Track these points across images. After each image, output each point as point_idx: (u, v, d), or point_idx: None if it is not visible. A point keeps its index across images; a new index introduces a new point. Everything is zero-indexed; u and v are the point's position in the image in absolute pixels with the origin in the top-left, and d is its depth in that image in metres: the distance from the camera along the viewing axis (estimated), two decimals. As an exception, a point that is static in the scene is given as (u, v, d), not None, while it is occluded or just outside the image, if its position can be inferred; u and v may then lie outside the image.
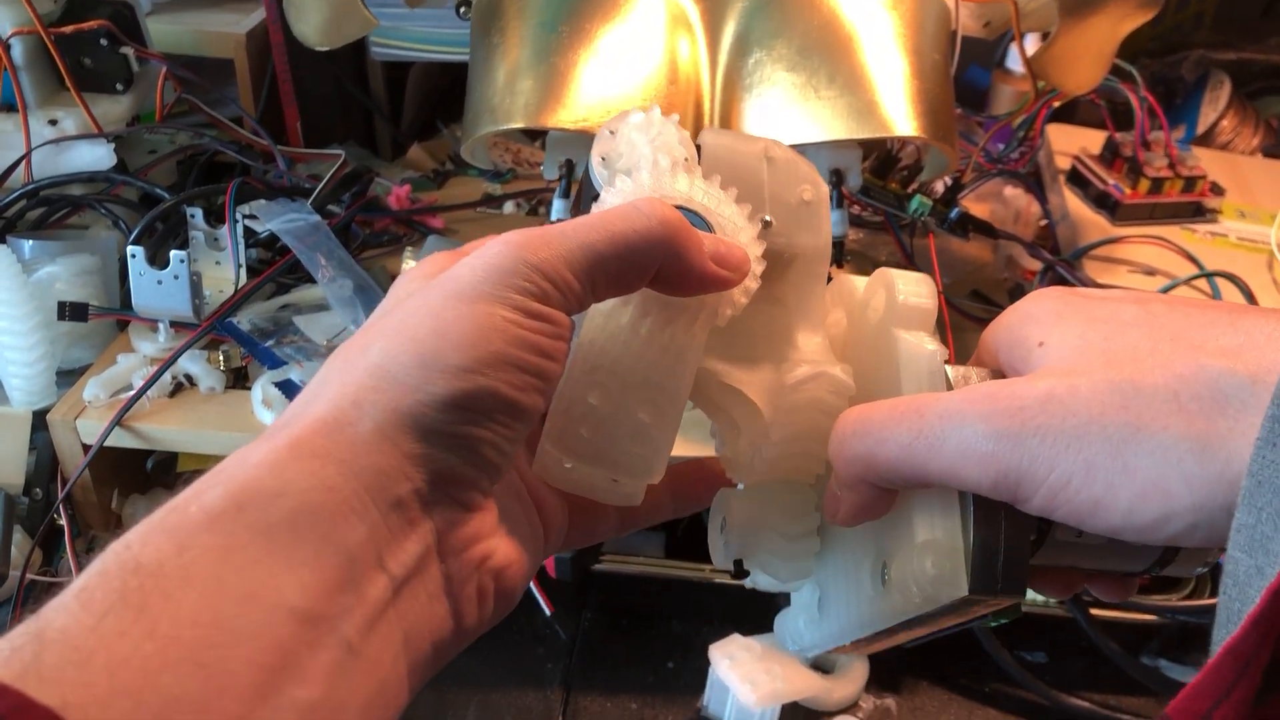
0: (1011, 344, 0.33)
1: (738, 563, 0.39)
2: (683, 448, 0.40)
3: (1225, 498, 0.27)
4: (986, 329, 0.35)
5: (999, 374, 0.34)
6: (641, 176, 0.35)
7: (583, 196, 0.38)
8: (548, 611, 0.66)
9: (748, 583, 0.39)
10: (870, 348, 0.37)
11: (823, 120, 0.61)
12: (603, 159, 0.37)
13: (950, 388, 0.33)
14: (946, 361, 0.34)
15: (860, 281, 0.39)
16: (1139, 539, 0.29)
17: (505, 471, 0.32)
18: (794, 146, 0.39)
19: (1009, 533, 0.32)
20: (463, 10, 0.69)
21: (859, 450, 0.33)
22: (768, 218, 0.37)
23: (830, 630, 0.38)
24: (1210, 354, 0.28)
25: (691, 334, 0.35)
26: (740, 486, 0.40)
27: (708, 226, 0.35)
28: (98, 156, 0.84)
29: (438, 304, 0.30)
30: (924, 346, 0.34)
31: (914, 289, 0.36)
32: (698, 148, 0.37)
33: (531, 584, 0.66)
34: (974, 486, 0.31)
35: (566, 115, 0.61)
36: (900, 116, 0.62)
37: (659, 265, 0.33)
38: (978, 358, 0.36)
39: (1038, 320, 0.33)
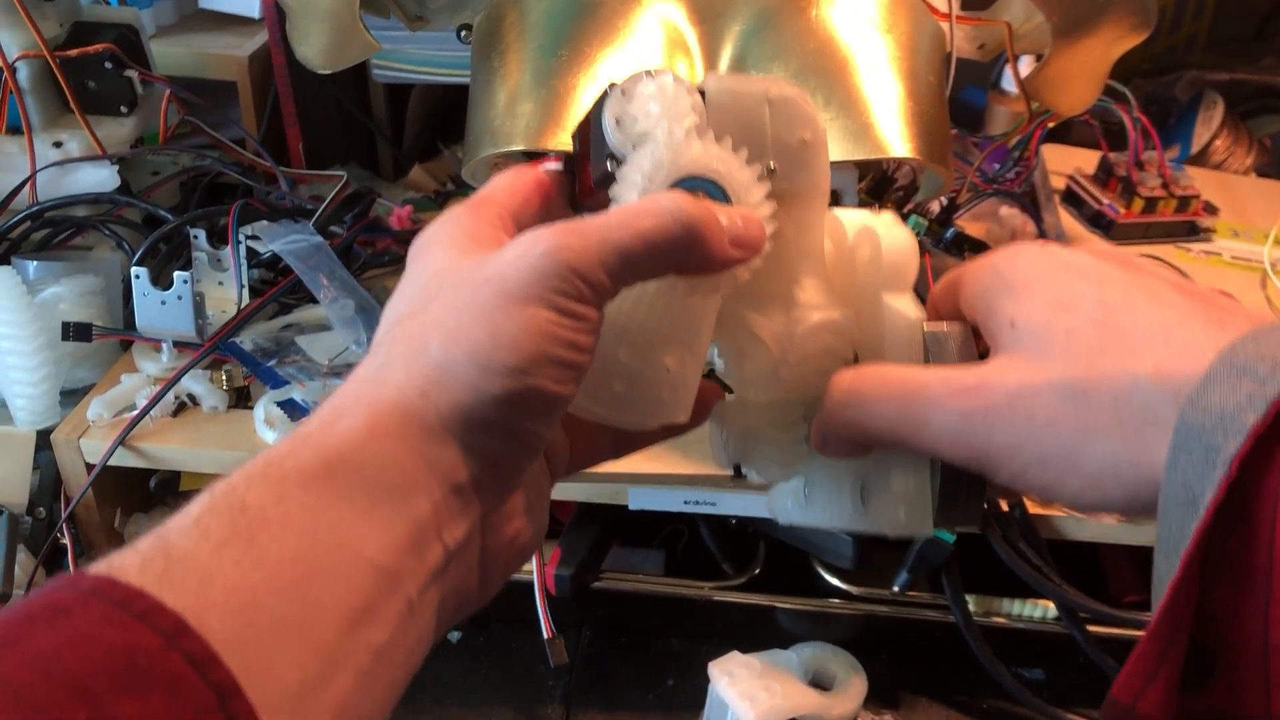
0: (987, 310, 0.37)
1: (736, 466, 0.43)
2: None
3: (1152, 494, 0.32)
4: (964, 276, 0.39)
5: (969, 332, 0.39)
6: (659, 151, 0.36)
7: (591, 146, 0.39)
8: (546, 634, 0.67)
9: (746, 475, 0.44)
10: (858, 299, 0.41)
11: (819, 142, 0.62)
12: (617, 121, 0.38)
13: (926, 349, 0.39)
14: (925, 320, 0.39)
15: (848, 219, 0.42)
16: (1085, 514, 0.33)
17: (540, 453, 0.35)
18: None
19: (969, 483, 0.38)
20: (463, 34, 0.70)
21: (849, 418, 0.38)
22: (772, 165, 0.39)
23: (814, 519, 0.43)
24: (1146, 365, 0.33)
25: (711, 300, 0.38)
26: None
27: (722, 192, 0.37)
28: (101, 178, 0.85)
29: (489, 304, 0.33)
30: (906, 316, 0.39)
31: (896, 243, 0.40)
32: (702, 93, 0.38)
33: (537, 604, 0.67)
34: (950, 461, 0.37)
35: (566, 138, 0.61)
36: (895, 138, 0.62)
37: (682, 259, 0.35)
38: (946, 296, 0.40)
39: (1010, 291, 0.37)
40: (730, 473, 0.44)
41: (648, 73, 0.38)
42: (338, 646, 0.28)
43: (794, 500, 0.44)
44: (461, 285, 0.34)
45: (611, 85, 0.38)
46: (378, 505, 0.31)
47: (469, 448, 0.33)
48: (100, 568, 0.27)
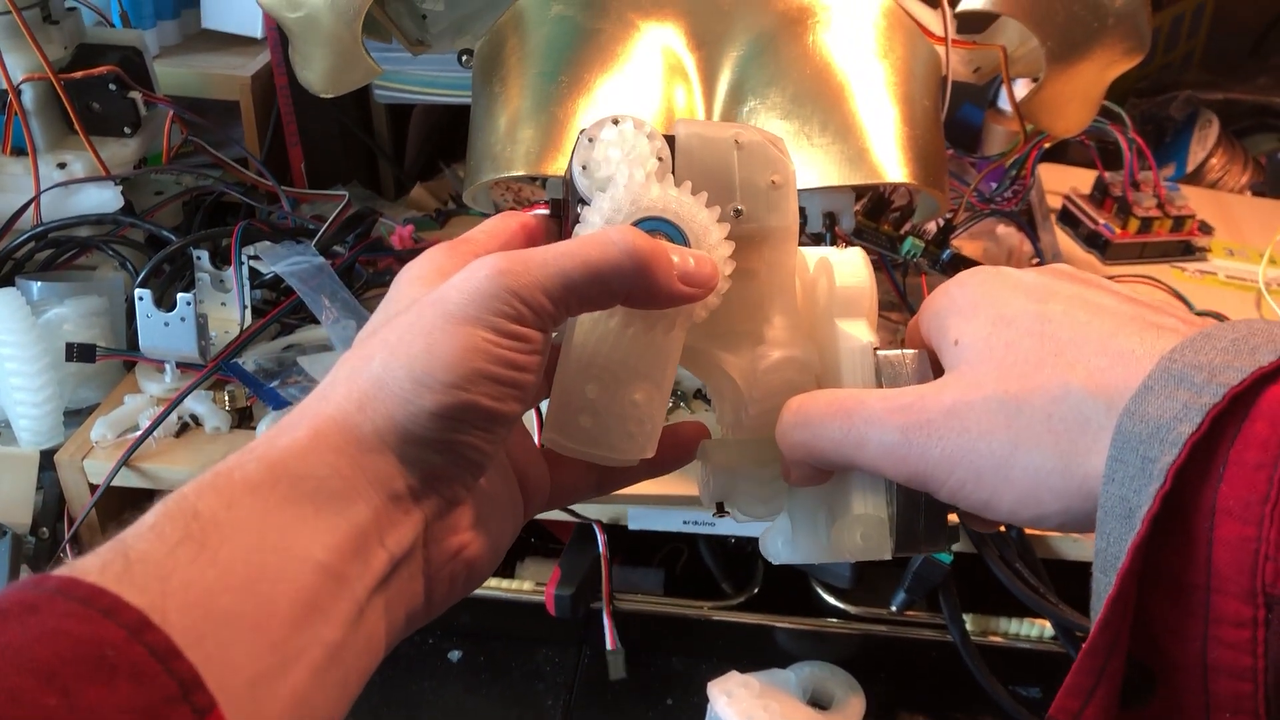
0: (938, 331, 0.38)
1: (719, 504, 0.43)
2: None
3: (1086, 505, 0.32)
4: (925, 303, 0.40)
5: (924, 357, 0.39)
6: (618, 194, 0.38)
7: (568, 197, 0.41)
8: (610, 647, 0.70)
9: (732, 516, 0.44)
10: (819, 328, 0.42)
11: (816, 167, 0.62)
12: (583, 167, 0.40)
13: (879, 374, 0.39)
14: (879, 348, 0.40)
15: (810, 256, 0.43)
16: (1025, 527, 0.31)
17: (486, 469, 0.36)
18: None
19: (927, 505, 0.38)
20: (465, 59, 0.71)
21: (798, 439, 0.38)
22: (740, 207, 0.40)
23: (799, 556, 0.43)
24: (1079, 375, 0.32)
25: (671, 335, 0.39)
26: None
27: (680, 232, 0.38)
28: (105, 199, 0.86)
29: (429, 324, 0.34)
30: (858, 340, 0.40)
31: (849, 274, 0.41)
32: (672, 139, 0.40)
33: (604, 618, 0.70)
34: (892, 478, 0.37)
35: (566, 163, 0.62)
36: (891, 163, 0.63)
37: (629, 289, 0.36)
38: (916, 325, 0.40)
39: (957, 311, 0.37)
40: (713, 511, 0.44)
41: (613, 119, 0.40)
42: (289, 640, 0.30)
43: (784, 540, 0.44)
44: (410, 309, 0.35)
45: (581, 133, 0.40)
46: (321, 511, 0.32)
47: (405, 459, 0.34)
48: (63, 570, 0.28)
